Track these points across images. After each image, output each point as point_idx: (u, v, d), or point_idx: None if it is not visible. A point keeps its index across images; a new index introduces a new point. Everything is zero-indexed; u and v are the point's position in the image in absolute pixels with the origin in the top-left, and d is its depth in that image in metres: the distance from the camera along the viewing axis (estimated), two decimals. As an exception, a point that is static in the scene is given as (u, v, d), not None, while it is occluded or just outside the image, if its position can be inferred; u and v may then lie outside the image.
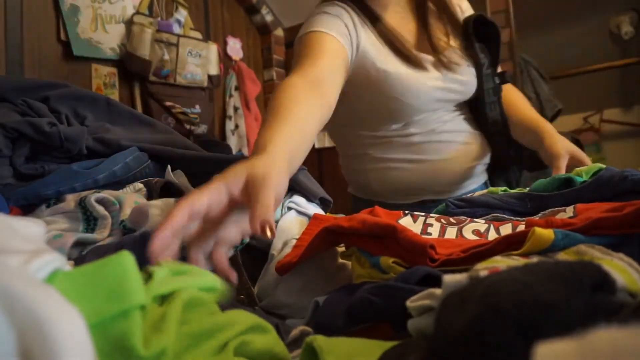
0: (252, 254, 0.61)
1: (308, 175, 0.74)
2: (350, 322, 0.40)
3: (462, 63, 1.03)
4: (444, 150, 1.05)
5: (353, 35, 0.94)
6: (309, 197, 0.71)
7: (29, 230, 0.31)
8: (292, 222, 0.63)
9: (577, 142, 0.62)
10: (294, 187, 0.72)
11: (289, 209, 0.66)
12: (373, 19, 0.98)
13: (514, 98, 1.12)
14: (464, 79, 1.04)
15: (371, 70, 0.97)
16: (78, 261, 0.41)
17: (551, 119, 3.41)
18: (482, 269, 0.31)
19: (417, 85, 0.97)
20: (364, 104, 1.03)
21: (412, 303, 0.32)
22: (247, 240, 0.56)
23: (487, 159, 1.13)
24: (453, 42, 1.05)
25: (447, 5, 1.07)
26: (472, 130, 1.09)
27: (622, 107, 3.73)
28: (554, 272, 0.24)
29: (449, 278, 0.28)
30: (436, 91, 1.00)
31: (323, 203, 0.74)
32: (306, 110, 0.71)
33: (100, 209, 0.53)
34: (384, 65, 0.96)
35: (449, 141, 1.05)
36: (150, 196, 0.61)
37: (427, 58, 1.01)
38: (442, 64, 1.00)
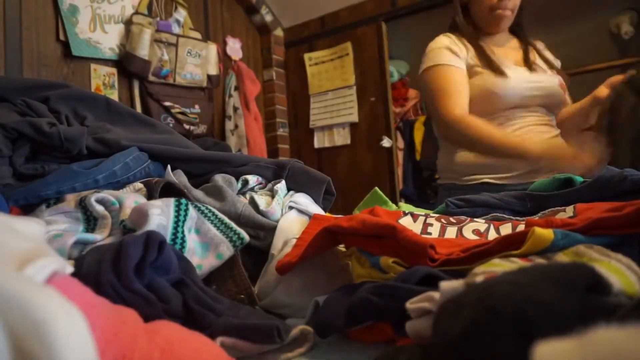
0: (252, 253, 0.61)
1: (304, 167, 0.75)
2: (350, 321, 0.40)
3: (546, 70, 1.37)
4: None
5: (461, 54, 1.35)
6: (314, 190, 0.72)
7: (30, 230, 0.31)
8: (292, 221, 0.64)
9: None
10: (294, 188, 0.72)
11: (290, 208, 0.66)
12: (471, 40, 1.39)
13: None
14: (546, 84, 1.32)
15: (471, 72, 1.35)
16: (78, 261, 0.41)
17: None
18: (480, 273, 0.31)
19: (504, 80, 1.29)
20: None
21: (411, 305, 0.32)
22: (247, 239, 0.56)
23: None
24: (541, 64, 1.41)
25: (536, 47, 1.47)
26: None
27: (622, 106, 3.72)
28: (548, 273, 0.24)
29: (446, 284, 0.28)
30: (520, 89, 1.29)
31: (327, 192, 0.75)
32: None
33: (100, 208, 0.53)
34: (479, 69, 1.33)
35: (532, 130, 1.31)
36: (150, 196, 0.61)
37: (516, 67, 1.34)
38: (529, 69, 1.34)
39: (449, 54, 1.34)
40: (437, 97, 1.31)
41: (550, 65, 1.41)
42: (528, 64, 1.37)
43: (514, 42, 1.45)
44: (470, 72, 1.35)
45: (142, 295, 0.38)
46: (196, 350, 0.30)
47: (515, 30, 1.46)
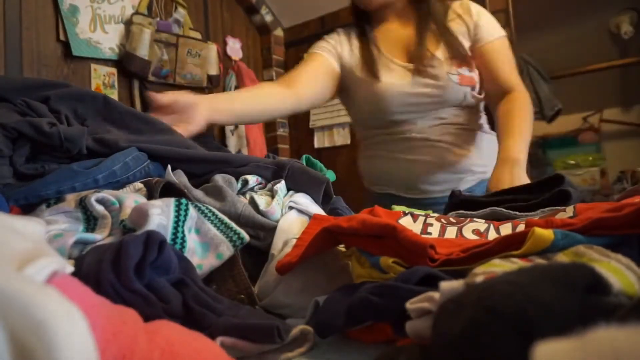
0: (252, 253, 0.61)
1: (303, 168, 0.75)
2: (350, 322, 0.40)
3: (440, 70, 1.14)
4: (416, 150, 1.18)
5: (337, 50, 1.22)
6: (314, 190, 0.72)
7: (30, 229, 0.31)
8: (292, 221, 0.64)
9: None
10: (294, 188, 0.72)
11: (290, 208, 0.66)
12: (361, 36, 1.23)
13: (511, 108, 1.13)
14: (439, 84, 1.14)
15: (350, 76, 1.22)
16: (78, 260, 0.41)
17: (551, 119, 3.41)
18: (480, 273, 0.31)
19: (383, 90, 1.15)
20: (352, 107, 1.29)
21: (411, 305, 0.32)
22: (247, 239, 0.56)
23: (469, 165, 1.20)
24: (441, 55, 1.16)
25: (445, 29, 1.18)
26: (465, 137, 1.19)
27: (622, 106, 3.73)
28: (548, 273, 0.24)
29: (445, 285, 0.28)
30: (403, 95, 1.15)
31: (326, 194, 0.75)
32: (264, 90, 1.08)
33: (100, 208, 0.53)
34: (357, 73, 1.20)
35: (425, 143, 1.18)
36: (150, 196, 0.61)
37: (401, 65, 1.17)
38: (417, 72, 1.15)
39: (322, 43, 1.25)
40: None
41: (455, 55, 1.15)
42: (420, 59, 1.15)
43: (416, 26, 1.19)
44: (350, 76, 1.21)
45: (142, 295, 0.38)
46: (196, 350, 0.30)
47: (421, 4, 1.20)
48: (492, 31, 1.19)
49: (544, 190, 0.65)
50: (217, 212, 0.58)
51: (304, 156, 0.91)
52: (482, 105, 1.26)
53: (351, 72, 1.21)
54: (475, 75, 1.18)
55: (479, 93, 1.19)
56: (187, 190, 0.65)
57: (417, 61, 1.16)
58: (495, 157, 1.03)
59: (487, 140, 1.25)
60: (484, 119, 1.28)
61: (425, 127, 1.18)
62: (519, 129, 1.06)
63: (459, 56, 1.15)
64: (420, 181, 1.20)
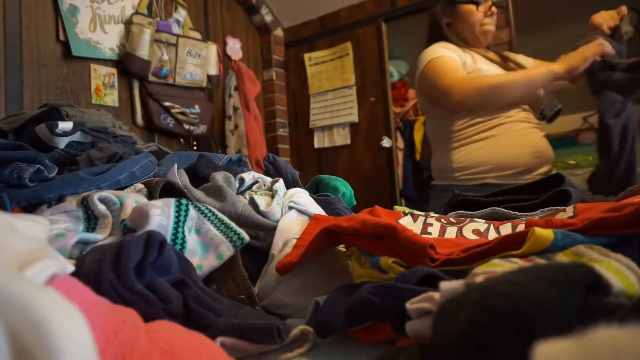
0: (252, 253, 0.61)
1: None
2: (350, 321, 0.40)
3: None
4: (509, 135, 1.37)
5: (455, 52, 1.47)
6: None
7: (32, 230, 0.31)
8: (292, 221, 0.63)
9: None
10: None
11: (290, 208, 0.66)
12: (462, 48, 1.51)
13: None
14: None
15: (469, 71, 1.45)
16: (79, 260, 0.41)
17: (551, 119, 3.41)
18: (480, 273, 0.31)
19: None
20: None
21: (411, 305, 0.32)
22: (247, 239, 0.56)
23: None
24: None
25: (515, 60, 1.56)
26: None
27: (622, 106, 3.72)
28: (547, 274, 0.24)
29: (446, 285, 0.28)
30: None
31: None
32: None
33: (102, 207, 0.53)
34: (477, 66, 1.45)
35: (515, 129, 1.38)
36: (151, 196, 0.61)
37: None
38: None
39: (446, 50, 1.43)
40: (439, 78, 1.38)
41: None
42: (507, 68, 1.48)
43: (492, 54, 1.56)
44: (469, 72, 1.43)
45: (143, 295, 0.38)
46: (196, 350, 0.30)
47: (489, 46, 1.59)
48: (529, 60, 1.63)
49: (544, 190, 0.65)
50: (217, 212, 0.58)
51: (317, 178, 0.89)
52: None
53: (465, 66, 1.44)
54: None
55: None
56: (187, 190, 0.65)
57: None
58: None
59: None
60: None
61: (521, 115, 1.42)
62: None
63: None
64: (526, 161, 1.35)
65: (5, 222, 0.28)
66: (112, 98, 2.36)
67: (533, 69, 1.38)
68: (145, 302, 0.38)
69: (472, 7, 1.45)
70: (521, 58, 1.59)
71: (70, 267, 0.28)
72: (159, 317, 0.37)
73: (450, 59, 1.40)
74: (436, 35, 1.52)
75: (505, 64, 1.51)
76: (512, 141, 1.37)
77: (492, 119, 1.38)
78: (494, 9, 1.47)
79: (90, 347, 0.22)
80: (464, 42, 1.50)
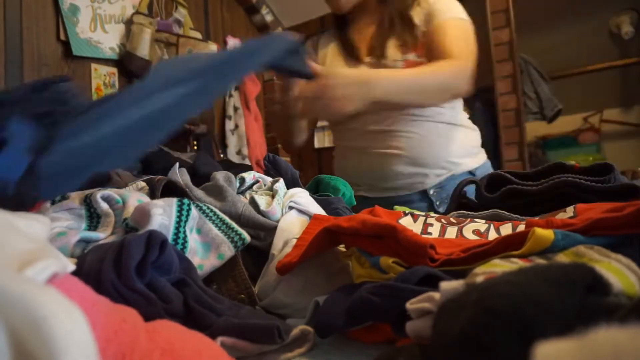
0: (253, 253, 0.61)
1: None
2: (350, 321, 0.40)
3: (389, 60, 1.15)
4: (380, 142, 1.17)
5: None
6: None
7: (32, 229, 0.31)
8: (292, 221, 0.64)
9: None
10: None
11: (290, 208, 0.66)
12: (335, 36, 1.28)
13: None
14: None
15: None
16: (80, 259, 0.41)
17: (551, 119, 3.41)
18: (480, 274, 0.31)
19: None
20: None
21: (411, 305, 0.32)
22: (248, 240, 0.56)
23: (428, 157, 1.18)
24: (392, 44, 1.16)
25: (398, 16, 1.18)
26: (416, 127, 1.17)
27: (622, 107, 3.73)
28: (547, 274, 0.25)
29: (446, 285, 0.28)
30: None
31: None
32: None
33: (104, 206, 0.53)
34: (330, 67, 1.21)
35: (389, 134, 1.17)
36: (152, 194, 0.61)
37: (367, 61, 1.19)
38: (370, 65, 1.16)
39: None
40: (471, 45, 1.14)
41: (404, 44, 1.15)
42: (378, 54, 1.17)
43: (379, 23, 1.20)
44: None
45: (143, 295, 0.38)
46: (196, 349, 0.30)
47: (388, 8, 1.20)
48: (446, 12, 1.13)
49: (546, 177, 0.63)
50: (218, 212, 0.58)
51: (317, 177, 0.87)
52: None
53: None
54: (424, 60, 1.12)
55: None
56: (188, 189, 0.65)
57: (372, 53, 1.18)
58: (472, 151, 1.19)
59: (462, 134, 1.22)
60: (458, 112, 1.24)
61: (386, 119, 1.17)
62: (410, 71, 1.04)
63: (407, 43, 1.14)
64: (387, 175, 1.18)
65: (6, 221, 0.28)
66: (112, 98, 2.36)
67: None
68: (146, 301, 0.38)
69: None
70: (427, 3, 1.20)
71: (70, 266, 0.28)
72: (160, 316, 0.37)
73: None
74: None
75: (383, 42, 1.20)
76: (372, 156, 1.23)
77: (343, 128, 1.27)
78: None
79: (90, 346, 0.22)
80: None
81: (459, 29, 1.11)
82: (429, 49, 1.12)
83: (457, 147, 1.20)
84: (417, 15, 1.17)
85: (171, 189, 0.63)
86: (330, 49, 1.27)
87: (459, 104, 1.26)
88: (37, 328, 0.20)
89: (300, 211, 0.67)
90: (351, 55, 1.21)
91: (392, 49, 1.16)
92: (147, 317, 0.31)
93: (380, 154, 1.18)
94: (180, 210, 0.53)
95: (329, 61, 1.25)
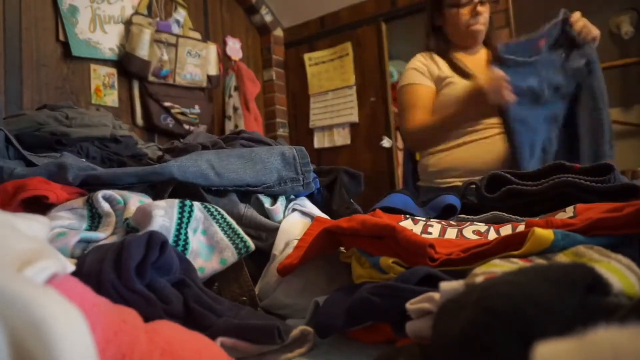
0: (254, 254, 0.60)
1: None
2: (350, 321, 0.40)
3: None
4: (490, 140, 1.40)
5: (429, 69, 1.52)
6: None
7: (32, 229, 0.31)
8: (294, 223, 0.63)
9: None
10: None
11: (293, 210, 0.66)
12: (444, 56, 1.53)
13: None
14: None
15: (443, 84, 1.48)
16: (80, 260, 0.41)
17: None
18: (480, 274, 0.31)
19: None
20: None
21: (411, 305, 0.32)
22: (253, 248, 0.56)
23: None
24: None
25: None
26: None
27: (622, 106, 3.73)
28: (547, 274, 0.24)
29: (446, 285, 0.28)
30: None
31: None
32: None
33: (105, 206, 0.53)
34: (451, 79, 1.45)
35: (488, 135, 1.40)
36: (156, 195, 0.61)
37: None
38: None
39: (418, 74, 1.51)
40: (403, 112, 1.51)
41: None
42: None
43: (485, 54, 1.55)
44: (443, 85, 1.47)
45: (143, 295, 0.38)
46: (196, 350, 0.30)
47: (486, 42, 1.56)
48: None
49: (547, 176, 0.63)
50: (225, 215, 0.58)
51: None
52: None
53: (440, 80, 1.49)
54: None
55: None
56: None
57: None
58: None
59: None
60: None
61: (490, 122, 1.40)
62: None
63: None
64: (490, 167, 1.32)
65: (6, 222, 0.28)
66: (112, 98, 2.36)
67: (458, 98, 1.35)
68: (146, 302, 0.38)
69: (455, 9, 1.47)
70: None
71: (70, 266, 0.28)
72: (160, 317, 0.37)
73: (417, 89, 1.49)
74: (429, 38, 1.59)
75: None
76: (479, 148, 1.41)
77: (463, 128, 1.43)
78: (479, 8, 1.46)
79: (90, 347, 0.22)
80: (455, 44, 1.53)
81: None
82: None
83: None
84: None
85: (182, 188, 0.63)
86: (442, 64, 1.50)
87: None
88: (36, 329, 0.20)
89: (303, 213, 0.66)
90: (464, 76, 1.45)
91: None
92: (147, 318, 0.31)
93: (492, 151, 1.41)
94: (182, 212, 0.53)
95: (447, 73, 1.47)
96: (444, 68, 1.51)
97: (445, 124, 1.37)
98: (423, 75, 1.51)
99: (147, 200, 0.58)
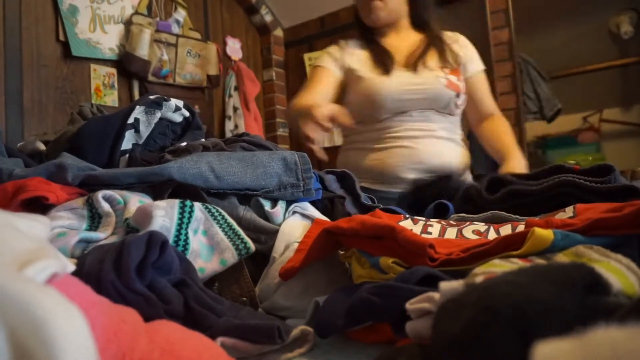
0: (253, 256, 0.60)
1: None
2: (350, 322, 0.40)
3: (431, 74, 1.30)
4: (398, 149, 1.29)
5: (340, 57, 1.40)
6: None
7: (33, 229, 0.31)
8: (294, 225, 0.63)
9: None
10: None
11: (294, 212, 0.66)
12: (364, 45, 1.41)
13: (500, 125, 1.40)
14: (428, 86, 1.28)
15: (352, 77, 1.36)
16: (80, 260, 0.41)
17: (551, 119, 3.41)
18: (480, 274, 0.31)
19: (382, 84, 1.29)
20: (352, 104, 1.37)
21: (411, 305, 0.32)
22: (253, 250, 0.56)
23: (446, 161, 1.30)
24: (433, 64, 1.33)
25: (441, 41, 1.38)
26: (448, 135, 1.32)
27: (622, 106, 3.73)
28: (547, 274, 0.25)
29: (445, 285, 0.28)
30: (395, 93, 1.28)
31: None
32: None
33: (105, 205, 0.53)
34: (361, 73, 1.34)
35: (409, 142, 1.29)
36: (156, 195, 0.61)
37: (399, 70, 1.33)
38: (413, 70, 1.31)
39: (328, 58, 1.41)
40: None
41: (447, 63, 1.34)
42: (415, 65, 1.32)
43: (414, 41, 1.39)
44: (353, 77, 1.36)
45: (143, 295, 0.38)
46: (196, 350, 0.30)
47: (421, 26, 1.42)
48: (476, 64, 1.41)
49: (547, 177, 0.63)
50: (226, 215, 0.58)
51: None
52: (460, 121, 1.40)
53: (352, 73, 1.37)
54: (461, 84, 1.33)
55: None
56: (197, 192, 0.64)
57: (412, 66, 1.32)
58: (466, 170, 1.33)
59: (463, 155, 1.36)
60: (460, 134, 1.40)
61: (411, 130, 1.29)
62: (514, 142, 1.32)
63: (448, 65, 1.33)
64: (397, 171, 1.28)
65: (6, 221, 0.28)
66: (112, 98, 2.36)
67: (306, 105, 1.19)
68: (146, 302, 0.38)
69: None
70: (466, 54, 1.40)
71: (70, 266, 0.28)
72: (160, 317, 0.37)
73: (318, 72, 1.39)
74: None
75: (421, 54, 1.34)
76: (388, 151, 1.30)
77: (378, 126, 1.32)
78: None
79: (90, 346, 0.22)
80: (376, 30, 1.41)
81: (487, 83, 1.43)
82: (468, 96, 1.37)
83: (459, 165, 1.33)
84: (449, 50, 1.38)
85: (182, 189, 0.63)
86: (357, 55, 1.38)
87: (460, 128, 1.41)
88: (36, 329, 0.20)
89: (304, 215, 0.66)
90: (384, 64, 1.32)
91: (433, 63, 1.33)
92: (147, 318, 0.31)
93: (398, 155, 1.33)
94: (182, 212, 0.53)
95: (358, 66, 1.35)
96: (357, 57, 1.38)
97: (293, 117, 1.26)
98: (332, 60, 1.39)
99: (147, 200, 0.58)
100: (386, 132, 1.31)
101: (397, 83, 1.29)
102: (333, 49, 1.43)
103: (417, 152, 1.27)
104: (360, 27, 1.44)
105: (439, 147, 1.29)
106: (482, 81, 1.41)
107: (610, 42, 3.67)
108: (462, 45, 1.41)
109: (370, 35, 1.42)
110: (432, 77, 1.30)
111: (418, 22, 1.42)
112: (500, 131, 1.36)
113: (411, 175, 1.25)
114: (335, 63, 1.39)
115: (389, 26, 1.40)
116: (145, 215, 0.50)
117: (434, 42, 1.36)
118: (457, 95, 1.31)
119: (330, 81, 1.38)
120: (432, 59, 1.34)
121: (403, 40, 1.40)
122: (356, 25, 1.47)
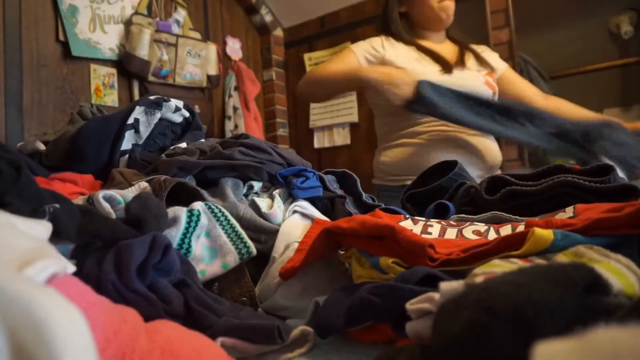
0: (254, 256, 0.60)
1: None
2: (350, 322, 0.40)
3: (471, 73, 1.40)
4: (447, 141, 1.34)
5: (380, 52, 1.46)
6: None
7: (33, 230, 0.31)
8: (294, 225, 0.63)
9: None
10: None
11: (294, 212, 0.66)
12: (406, 41, 1.47)
13: (566, 103, 1.54)
14: (469, 82, 1.35)
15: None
16: (80, 260, 0.41)
17: (550, 119, 3.40)
18: (480, 274, 0.31)
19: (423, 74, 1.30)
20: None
21: (411, 305, 0.32)
22: (254, 253, 0.56)
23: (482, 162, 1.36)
24: (471, 65, 1.44)
25: (474, 50, 1.51)
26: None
27: (622, 106, 3.73)
28: (547, 274, 0.25)
29: (445, 285, 0.28)
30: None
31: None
32: None
33: (106, 206, 0.53)
34: (404, 64, 1.38)
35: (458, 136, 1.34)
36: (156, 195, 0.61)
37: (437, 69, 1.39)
38: (450, 70, 1.37)
39: (361, 47, 1.49)
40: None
41: (484, 66, 1.46)
42: (457, 64, 1.42)
43: (450, 45, 1.51)
44: None
45: (144, 295, 0.38)
46: (196, 349, 0.30)
47: (452, 36, 1.54)
48: (502, 64, 1.54)
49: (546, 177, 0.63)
50: (229, 216, 0.57)
51: None
52: None
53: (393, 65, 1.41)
54: (496, 86, 1.44)
55: None
56: (197, 192, 0.64)
57: (458, 64, 1.41)
58: (495, 164, 1.41)
59: (495, 149, 1.43)
60: None
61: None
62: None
63: (485, 67, 1.46)
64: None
65: (6, 221, 0.28)
66: (111, 98, 2.36)
67: (349, 68, 1.35)
68: (146, 302, 0.38)
69: None
70: (492, 59, 1.53)
71: (70, 267, 0.28)
72: (160, 317, 0.37)
73: (350, 55, 1.46)
74: (384, 27, 1.55)
75: (461, 56, 1.45)
76: (430, 148, 1.35)
77: (416, 122, 1.38)
78: None
79: (90, 346, 0.22)
80: (423, 28, 1.49)
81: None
82: (508, 92, 1.49)
83: (490, 160, 1.40)
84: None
85: (181, 189, 0.62)
86: (403, 52, 1.43)
87: None
88: (36, 329, 0.20)
89: (304, 215, 0.66)
90: (445, 63, 1.39)
91: (471, 64, 1.44)
92: (148, 318, 0.31)
93: (445, 150, 1.38)
94: (189, 222, 0.53)
95: (406, 63, 1.38)
96: (399, 51, 1.44)
97: (330, 81, 1.37)
98: (365, 54, 1.47)
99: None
100: (435, 126, 1.35)
101: (448, 81, 1.32)
102: (376, 43, 1.48)
103: (473, 148, 1.35)
104: (398, 26, 1.49)
105: (488, 144, 1.37)
106: (514, 73, 1.55)
107: (610, 42, 3.66)
108: (488, 53, 1.55)
109: (408, 37, 1.48)
110: (473, 75, 1.40)
111: (452, 33, 1.54)
112: (576, 108, 1.52)
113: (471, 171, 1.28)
114: (368, 57, 1.45)
115: (436, 31, 1.49)
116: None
117: (468, 48, 1.50)
118: (493, 94, 1.42)
119: (351, 64, 1.44)
120: (470, 61, 1.46)
121: (440, 45, 1.50)
122: (391, 23, 1.52)
